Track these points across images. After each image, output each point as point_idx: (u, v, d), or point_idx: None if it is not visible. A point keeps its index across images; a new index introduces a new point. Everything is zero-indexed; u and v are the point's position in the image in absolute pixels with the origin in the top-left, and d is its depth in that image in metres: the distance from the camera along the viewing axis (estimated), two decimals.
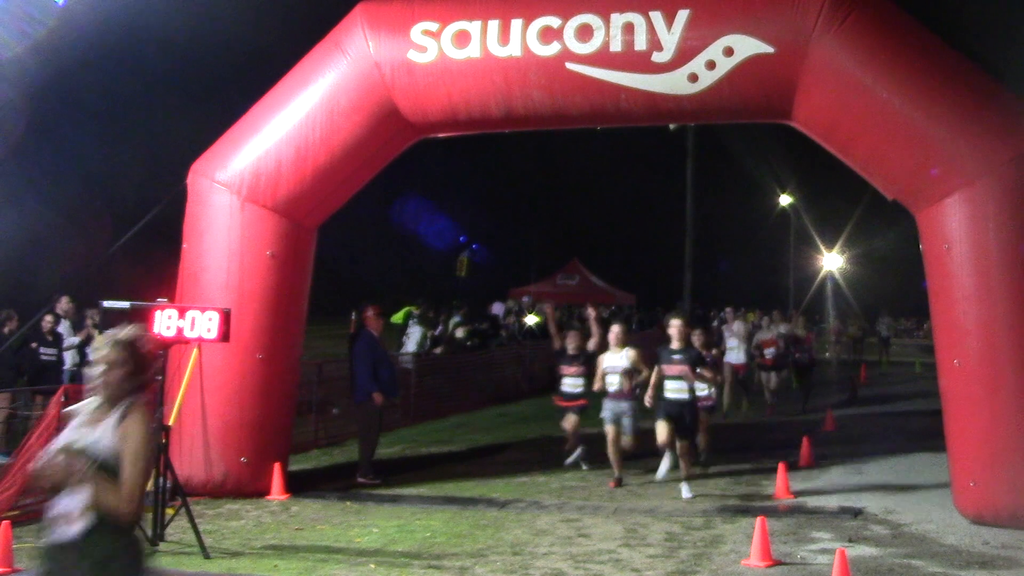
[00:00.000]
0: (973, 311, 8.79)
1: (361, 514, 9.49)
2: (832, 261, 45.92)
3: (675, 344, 10.37)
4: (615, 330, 11.02)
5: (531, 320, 25.11)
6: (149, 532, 7.97)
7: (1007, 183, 8.69)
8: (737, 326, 18.18)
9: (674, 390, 10.27)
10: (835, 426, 15.41)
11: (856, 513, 9.41)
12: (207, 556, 7.75)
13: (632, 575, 7.39)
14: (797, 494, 10.21)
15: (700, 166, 38.31)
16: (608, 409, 10.80)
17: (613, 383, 10.81)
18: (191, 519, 7.95)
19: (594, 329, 12.07)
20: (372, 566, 7.60)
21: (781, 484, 10.23)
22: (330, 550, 8.07)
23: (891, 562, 7.67)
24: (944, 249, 8.99)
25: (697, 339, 11.71)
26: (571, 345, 11.84)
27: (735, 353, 17.65)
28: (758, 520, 7.67)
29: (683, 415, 10.27)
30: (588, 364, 11.52)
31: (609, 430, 10.76)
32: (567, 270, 35.60)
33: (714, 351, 11.81)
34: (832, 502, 9.95)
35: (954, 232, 8.91)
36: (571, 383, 11.78)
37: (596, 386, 10.96)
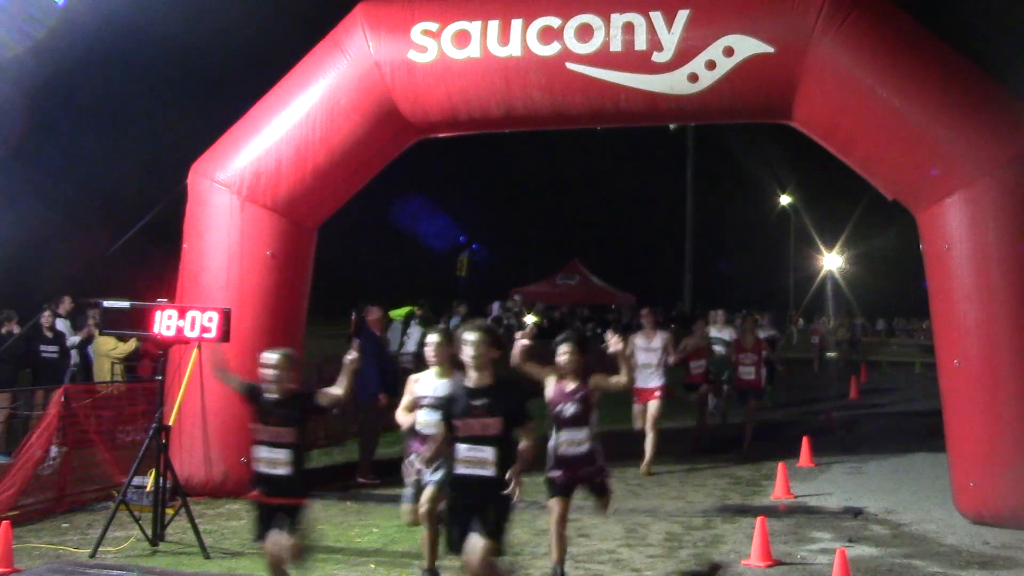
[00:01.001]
0: (973, 311, 8.79)
1: (361, 514, 9.49)
2: (832, 261, 45.95)
3: (472, 378, 5.83)
4: (432, 341, 7.11)
5: (530, 319, 25.10)
6: (149, 532, 7.99)
7: (1007, 183, 8.70)
8: (651, 338, 12.04)
9: (469, 461, 5.74)
10: (835, 426, 15.42)
11: (856, 513, 9.41)
12: (207, 556, 7.75)
13: (632, 575, 7.39)
14: (797, 494, 10.21)
15: (700, 166, 38.39)
16: (409, 474, 7.05)
17: (429, 424, 6.87)
18: (191, 519, 7.95)
19: (342, 376, 6.43)
20: (372, 566, 7.60)
21: (781, 484, 10.23)
22: (330, 550, 8.07)
23: (891, 562, 7.67)
24: (944, 249, 8.99)
25: (566, 360, 7.00)
26: (272, 380, 6.26)
27: (648, 374, 11.77)
28: (758, 520, 7.67)
29: (484, 504, 5.72)
30: (302, 423, 6.33)
31: (406, 511, 7.12)
32: (567, 270, 35.58)
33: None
34: (832, 502, 9.95)
35: (954, 232, 8.91)
36: (268, 457, 6.21)
37: (404, 422, 7.15)
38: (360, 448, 11.41)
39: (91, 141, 32.92)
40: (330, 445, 13.75)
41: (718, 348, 14.89)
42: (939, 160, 8.97)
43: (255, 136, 10.25)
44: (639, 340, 11.94)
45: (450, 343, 6.96)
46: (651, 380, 11.78)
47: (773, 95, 9.54)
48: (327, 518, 9.28)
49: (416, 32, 9.91)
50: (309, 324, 11.05)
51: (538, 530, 8.76)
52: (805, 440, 12.21)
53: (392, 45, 9.97)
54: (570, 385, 7.08)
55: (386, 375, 11.36)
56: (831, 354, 30.10)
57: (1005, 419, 8.62)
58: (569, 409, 7.04)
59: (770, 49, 9.21)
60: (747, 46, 9.25)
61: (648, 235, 59.92)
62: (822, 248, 45.95)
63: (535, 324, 23.86)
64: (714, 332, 15.48)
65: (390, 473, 11.42)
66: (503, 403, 5.81)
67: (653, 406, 11.68)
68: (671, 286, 41.57)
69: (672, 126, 19.27)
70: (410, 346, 18.73)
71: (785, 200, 47.79)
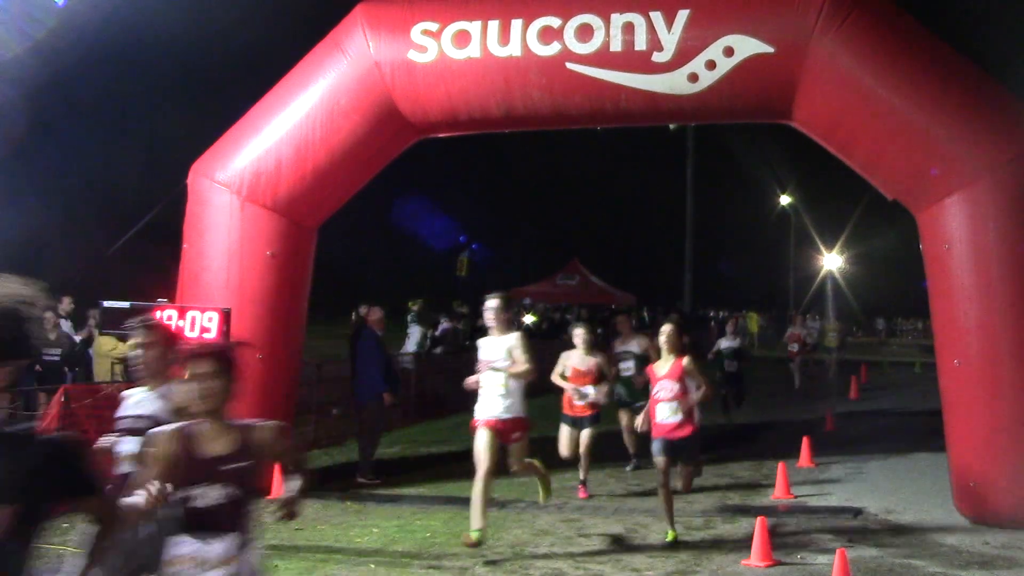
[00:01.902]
0: (973, 311, 8.79)
1: (361, 514, 9.49)
2: (832, 261, 45.98)
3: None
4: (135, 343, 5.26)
5: (529, 319, 25.13)
6: None
7: (1007, 183, 8.70)
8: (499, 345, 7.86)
9: None
10: (835, 426, 15.42)
11: (856, 513, 9.41)
12: None
13: (632, 575, 7.39)
14: (797, 494, 10.21)
15: (700, 166, 38.40)
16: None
17: (127, 454, 5.01)
18: None
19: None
20: (372, 566, 7.60)
21: (781, 484, 10.23)
22: (330, 550, 8.07)
23: (891, 562, 7.67)
24: (944, 249, 8.99)
25: (199, 392, 3.82)
26: None
27: (496, 398, 7.85)
28: (758, 520, 7.67)
29: None
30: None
31: None
32: (567, 270, 35.59)
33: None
34: (832, 502, 9.95)
35: (954, 232, 8.91)
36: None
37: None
38: (360, 448, 11.43)
39: (91, 141, 32.92)
40: (330, 445, 13.76)
41: (626, 367, 11.23)
42: (939, 160, 8.97)
43: (255, 136, 10.25)
44: (482, 348, 8.04)
45: (167, 345, 5.16)
46: (501, 407, 7.78)
47: (773, 95, 9.54)
48: (327, 518, 9.28)
49: (416, 32, 9.91)
50: (309, 324, 11.05)
51: (538, 530, 8.77)
52: (805, 440, 12.20)
53: (392, 45, 9.97)
54: (216, 444, 3.81)
55: (389, 375, 11.51)
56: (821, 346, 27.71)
57: (1005, 419, 8.62)
58: (210, 494, 3.73)
59: (770, 49, 9.20)
60: (747, 46, 9.24)
61: (648, 235, 59.98)
62: (822, 248, 46.02)
63: (533, 324, 23.85)
64: (620, 345, 11.47)
65: (390, 473, 11.45)
66: (19, 476, 2.81)
67: (516, 452, 7.96)
68: (671, 286, 41.58)
69: (672, 126, 19.17)
70: (410, 346, 18.76)
71: (785, 200, 47.84)
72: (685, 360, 8.22)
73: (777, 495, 10.15)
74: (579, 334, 10.28)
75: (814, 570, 7.44)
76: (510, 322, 8.27)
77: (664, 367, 8.29)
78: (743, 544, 8.03)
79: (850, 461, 12.28)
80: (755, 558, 7.53)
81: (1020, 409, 8.58)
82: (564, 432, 10.24)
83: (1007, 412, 8.61)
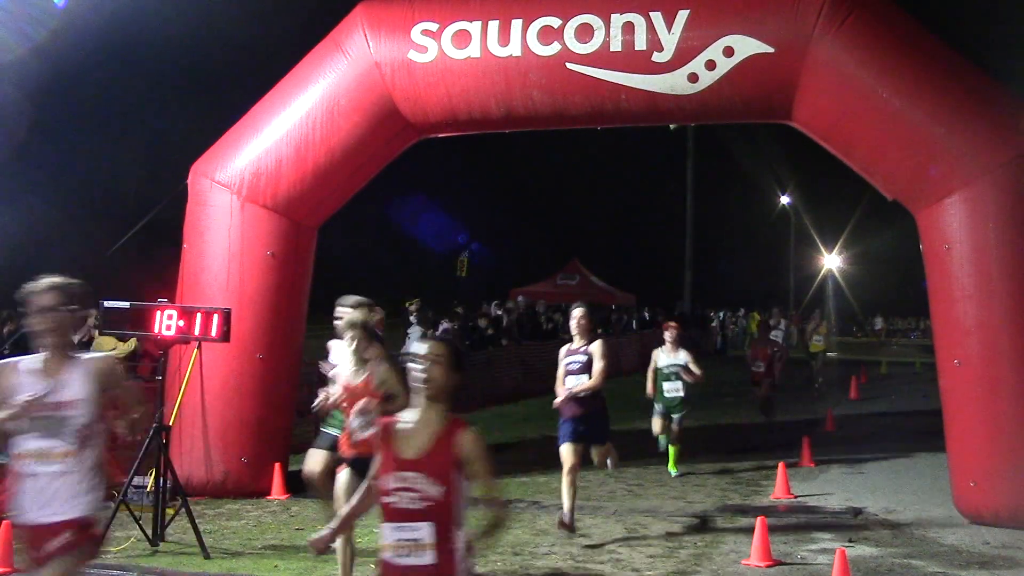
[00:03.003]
0: (973, 311, 8.80)
1: None
2: (832, 261, 46.01)
3: None
4: None
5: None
6: (149, 532, 8.00)
7: (1007, 183, 8.70)
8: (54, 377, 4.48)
9: None
10: (835, 426, 15.43)
11: (856, 513, 9.41)
12: (207, 556, 7.75)
13: (632, 575, 7.39)
14: (797, 494, 10.21)
15: (700, 166, 38.42)
16: None
17: None
18: (191, 519, 7.95)
19: None
20: (372, 566, 7.57)
21: (781, 484, 10.23)
22: (330, 550, 8.05)
23: (891, 562, 7.67)
24: (944, 249, 8.99)
25: None
26: None
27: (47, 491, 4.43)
28: (758, 520, 7.67)
29: None
30: None
31: None
32: (567, 270, 35.61)
33: None
34: (832, 502, 9.96)
35: (954, 232, 8.91)
36: None
37: None
38: None
39: (91, 141, 32.94)
40: None
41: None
42: (939, 160, 8.97)
43: (255, 136, 10.26)
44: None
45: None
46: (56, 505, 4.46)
47: (773, 95, 9.54)
48: (327, 518, 9.27)
49: (416, 32, 9.92)
50: (309, 324, 11.05)
51: (538, 530, 8.77)
52: (805, 440, 12.21)
53: (392, 45, 9.97)
54: None
55: None
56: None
57: (1005, 419, 8.62)
58: None
59: (770, 49, 9.20)
60: (747, 46, 9.24)
61: (648, 235, 59.95)
62: (822, 248, 46.06)
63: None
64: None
65: None
66: None
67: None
68: (671, 286, 41.57)
69: (672, 126, 19.12)
70: (410, 346, 18.80)
71: (785, 200, 47.89)
72: (465, 436, 3.86)
73: (777, 495, 10.16)
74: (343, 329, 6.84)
75: (814, 570, 7.44)
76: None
77: (416, 442, 3.85)
78: (743, 544, 8.04)
79: (850, 461, 12.29)
80: (755, 558, 7.54)
81: (1020, 409, 8.58)
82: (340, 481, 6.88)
83: (1007, 412, 8.61)
